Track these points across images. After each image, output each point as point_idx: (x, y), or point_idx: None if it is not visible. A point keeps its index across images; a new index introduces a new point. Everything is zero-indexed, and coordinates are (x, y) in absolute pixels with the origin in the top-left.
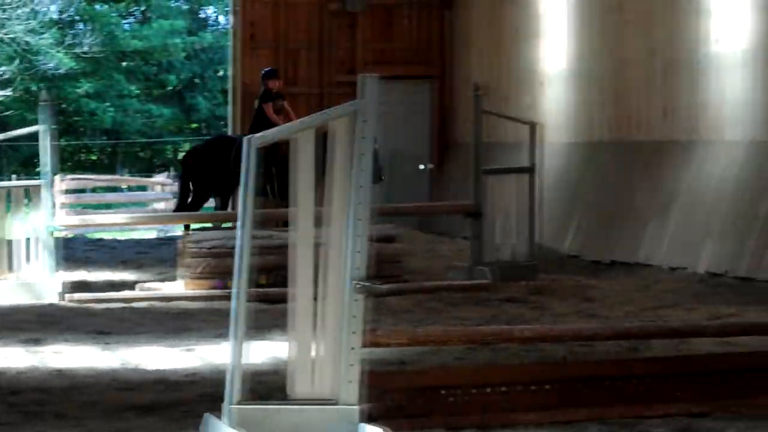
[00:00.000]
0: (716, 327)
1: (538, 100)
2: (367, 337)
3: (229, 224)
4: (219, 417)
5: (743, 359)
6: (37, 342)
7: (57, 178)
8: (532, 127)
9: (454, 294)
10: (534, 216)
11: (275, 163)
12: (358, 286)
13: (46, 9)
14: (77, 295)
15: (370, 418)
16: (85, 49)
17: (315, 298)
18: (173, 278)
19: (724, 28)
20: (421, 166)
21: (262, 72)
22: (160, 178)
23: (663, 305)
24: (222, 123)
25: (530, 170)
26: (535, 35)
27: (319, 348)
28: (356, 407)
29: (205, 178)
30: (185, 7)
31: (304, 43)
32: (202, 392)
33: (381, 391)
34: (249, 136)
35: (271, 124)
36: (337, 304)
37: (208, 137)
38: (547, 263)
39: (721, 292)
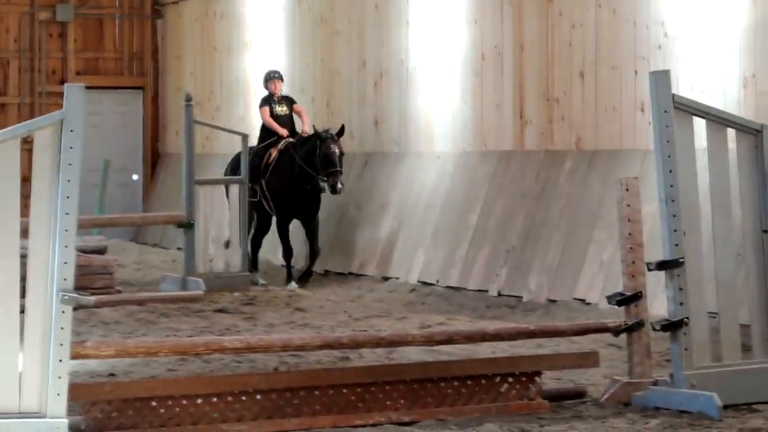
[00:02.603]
0: (424, 335)
1: (250, 110)
2: (75, 349)
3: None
4: None
5: (451, 367)
6: None
7: None
8: (244, 137)
9: (166, 305)
10: (247, 227)
11: (262, 175)
12: (65, 297)
13: None
14: None
15: (79, 431)
16: None
17: (22, 311)
18: None
19: (433, 41)
20: (135, 177)
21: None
22: None
23: (375, 315)
24: None
25: (242, 181)
26: (247, 46)
27: (26, 361)
28: (65, 420)
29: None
30: None
31: (15, 53)
32: None
33: (90, 403)
34: None
35: (268, 130)
36: (45, 316)
37: None
38: (260, 274)
39: (431, 301)
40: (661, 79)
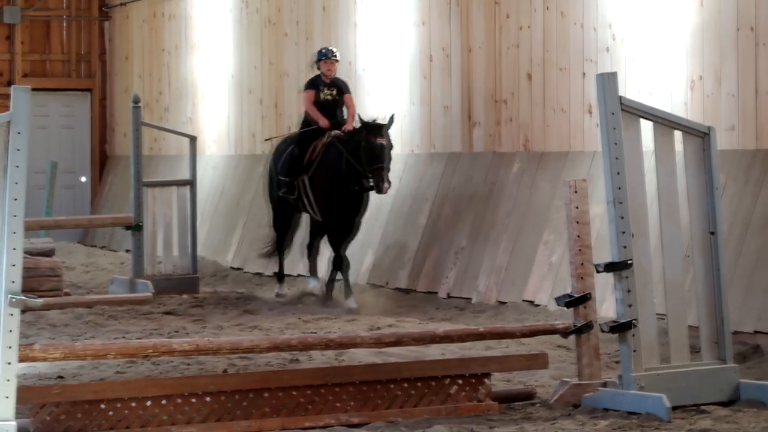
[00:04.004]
0: (373, 337)
1: (198, 112)
2: (23, 352)
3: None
4: None
5: (400, 368)
6: None
7: None
8: (192, 139)
9: (115, 307)
10: (195, 229)
11: (305, 170)
12: (13, 300)
13: None
14: None
15: None
16: None
17: None
18: None
19: (381, 43)
20: (82, 179)
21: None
22: None
23: (324, 317)
24: None
25: (191, 183)
26: (195, 48)
27: None
28: (13, 423)
29: (268, 189)
30: None
31: None
32: None
33: (38, 405)
34: None
35: (307, 118)
36: None
37: None
38: (209, 276)
39: (380, 303)
40: (609, 81)
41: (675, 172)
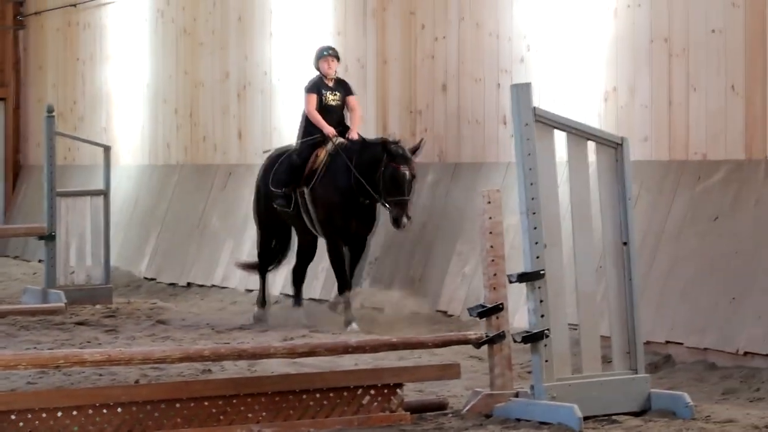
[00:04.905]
0: (286, 348)
1: (113, 122)
2: None
3: None
4: None
5: (312, 379)
6: None
7: None
8: (106, 149)
9: (27, 318)
10: (109, 239)
11: (306, 182)
12: None
13: None
14: None
15: None
16: None
17: None
18: None
19: (296, 53)
20: None
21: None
22: None
23: (237, 327)
24: None
25: (104, 193)
26: (110, 57)
27: None
28: None
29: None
30: None
31: None
32: None
33: None
34: None
35: (309, 123)
36: None
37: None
38: (122, 286)
39: (294, 313)
40: (522, 91)
41: (588, 182)
